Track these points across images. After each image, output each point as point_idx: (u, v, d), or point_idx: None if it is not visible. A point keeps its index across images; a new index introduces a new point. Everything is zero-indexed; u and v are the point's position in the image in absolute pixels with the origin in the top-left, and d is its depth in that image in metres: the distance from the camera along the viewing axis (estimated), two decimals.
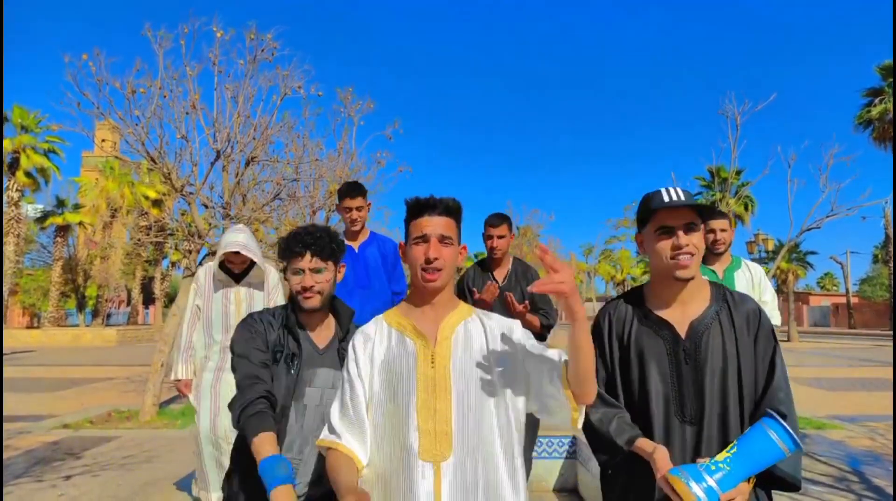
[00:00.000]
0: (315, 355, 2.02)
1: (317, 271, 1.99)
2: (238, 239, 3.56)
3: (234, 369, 1.95)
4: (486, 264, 4.08)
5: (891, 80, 26.46)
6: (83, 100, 7.20)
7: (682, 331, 1.72)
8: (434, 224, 1.61)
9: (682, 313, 1.75)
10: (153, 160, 7.56)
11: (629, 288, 1.97)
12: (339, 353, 2.04)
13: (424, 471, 1.50)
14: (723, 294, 1.78)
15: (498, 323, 1.69)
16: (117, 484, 5.00)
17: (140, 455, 5.98)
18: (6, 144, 27.51)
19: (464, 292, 4.07)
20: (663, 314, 1.77)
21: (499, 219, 3.96)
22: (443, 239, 1.61)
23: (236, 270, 3.72)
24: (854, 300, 47.03)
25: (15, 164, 28.38)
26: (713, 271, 3.86)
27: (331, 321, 2.11)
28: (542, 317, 3.88)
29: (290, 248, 1.99)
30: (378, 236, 4.04)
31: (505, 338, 1.64)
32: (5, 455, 5.91)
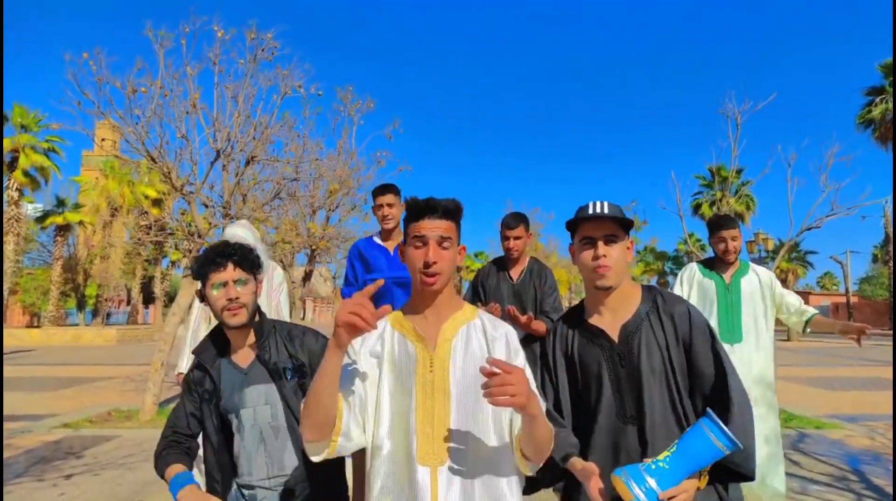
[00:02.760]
0: (240, 377, 1.99)
1: (240, 282, 1.94)
2: (236, 233, 3.61)
3: None
4: (503, 263, 4.12)
5: (891, 78, 26.44)
6: (83, 99, 7.22)
7: (614, 336, 1.80)
8: (433, 227, 1.59)
9: (614, 318, 1.82)
10: (153, 159, 7.56)
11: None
12: (263, 364, 2.00)
13: (423, 475, 1.50)
14: (653, 296, 1.85)
15: (502, 335, 1.67)
16: (117, 483, 5.00)
17: (140, 455, 5.98)
18: (6, 143, 27.49)
19: (478, 289, 4.10)
20: (597, 322, 1.84)
21: (515, 220, 4.00)
22: (442, 242, 1.59)
23: None
24: (854, 300, 47.01)
25: (14, 163, 28.37)
26: (720, 277, 3.85)
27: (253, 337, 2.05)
28: (549, 323, 3.90)
29: (212, 260, 1.93)
30: None
31: (504, 351, 1.64)
32: (6, 455, 5.92)
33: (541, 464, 1.57)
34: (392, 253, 3.84)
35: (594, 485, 1.62)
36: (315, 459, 1.55)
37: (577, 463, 1.71)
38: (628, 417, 1.74)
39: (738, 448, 1.49)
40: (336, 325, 1.38)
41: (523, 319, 3.66)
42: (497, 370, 1.32)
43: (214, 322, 3.74)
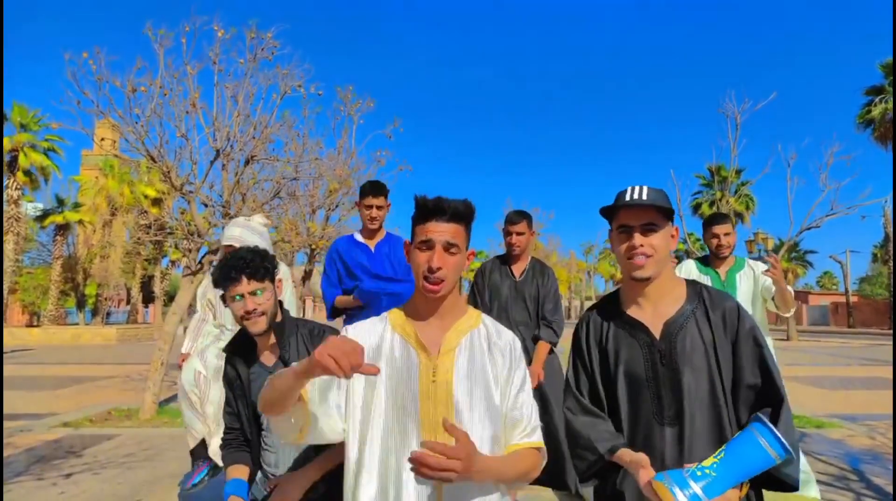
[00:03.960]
0: (265, 374, 2.04)
1: (255, 293, 2.01)
2: (234, 233, 3.59)
3: None
4: (505, 259, 4.14)
5: (892, 78, 26.45)
6: (83, 98, 7.19)
7: (656, 332, 1.70)
8: (441, 231, 1.52)
9: (655, 312, 1.72)
10: (153, 159, 7.55)
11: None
12: (285, 364, 2.07)
13: (426, 486, 1.46)
14: (699, 292, 1.74)
15: (506, 344, 1.63)
16: (117, 482, 5.00)
17: (140, 454, 5.98)
18: (6, 142, 27.47)
19: (479, 283, 4.11)
20: (636, 315, 1.74)
21: (518, 216, 4.03)
22: (449, 247, 1.52)
23: None
24: (853, 299, 47.05)
25: (14, 162, 28.36)
26: (716, 273, 3.87)
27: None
28: (551, 335, 3.94)
29: (225, 276, 2.01)
30: (393, 237, 4.03)
31: (507, 365, 1.61)
32: (6, 454, 5.91)
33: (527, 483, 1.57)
34: (373, 251, 3.84)
35: (646, 477, 1.50)
36: (287, 441, 1.58)
37: (625, 455, 1.61)
38: (666, 418, 1.64)
39: (791, 457, 1.42)
40: (315, 359, 1.30)
41: (534, 383, 3.70)
42: (432, 452, 1.30)
43: (227, 316, 3.79)
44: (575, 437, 1.72)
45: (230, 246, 3.58)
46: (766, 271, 3.55)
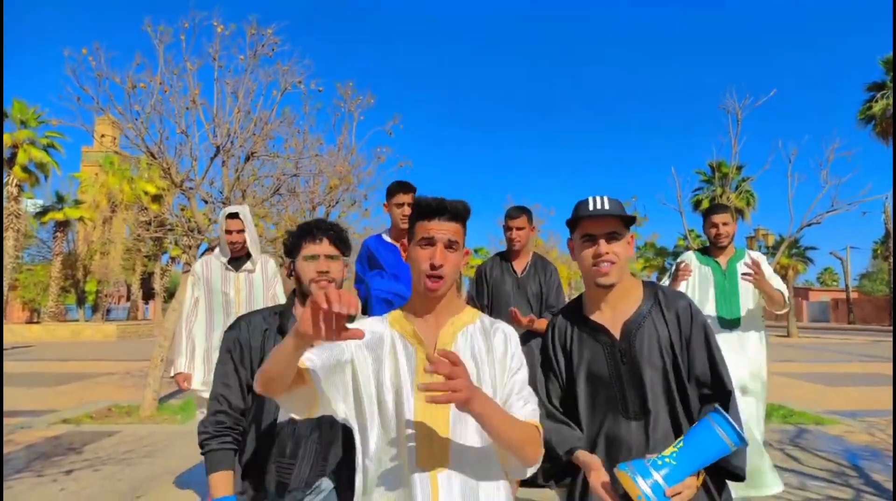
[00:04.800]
0: None
1: (333, 257, 1.95)
2: (232, 208, 3.80)
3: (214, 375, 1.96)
4: (506, 256, 4.13)
5: (892, 74, 26.41)
6: (83, 94, 7.19)
7: (615, 332, 1.79)
8: (442, 229, 1.57)
9: (615, 314, 1.81)
10: (153, 155, 7.55)
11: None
12: None
13: (422, 480, 1.48)
14: (654, 293, 1.84)
15: (501, 337, 1.65)
16: (118, 479, 5.01)
17: (140, 450, 5.99)
18: (5, 138, 27.45)
19: (481, 281, 4.10)
20: (598, 318, 1.83)
21: (518, 211, 4.02)
22: (449, 245, 1.57)
23: (236, 246, 3.83)
24: (854, 296, 47.11)
25: (13, 159, 28.35)
26: (717, 263, 3.88)
27: None
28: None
29: (309, 232, 1.95)
30: None
31: (503, 355, 1.62)
32: (6, 450, 5.92)
33: (527, 469, 1.55)
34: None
35: (596, 477, 1.61)
36: (295, 414, 1.54)
37: (581, 456, 1.70)
38: (631, 413, 1.73)
39: (745, 444, 1.48)
40: (300, 323, 1.29)
41: (525, 320, 3.68)
42: (436, 369, 1.29)
43: (216, 311, 3.79)
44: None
45: (234, 215, 3.77)
46: (744, 275, 3.58)
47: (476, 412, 1.37)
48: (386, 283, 3.67)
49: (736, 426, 1.44)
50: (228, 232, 3.77)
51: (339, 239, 1.99)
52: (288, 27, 8.33)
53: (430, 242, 1.56)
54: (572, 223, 1.84)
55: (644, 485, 1.42)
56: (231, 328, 2.00)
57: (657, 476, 1.44)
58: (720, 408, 1.49)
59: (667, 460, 1.47)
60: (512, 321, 3.76)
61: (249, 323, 1.99)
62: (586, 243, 1.78)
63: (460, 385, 1.30)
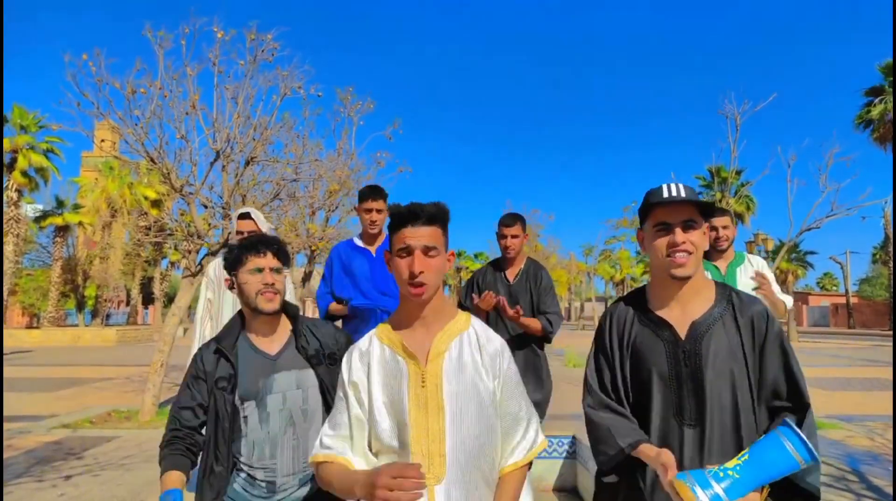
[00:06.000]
0: (268, 363, 2.03)
1: (276, 270, 2.01)
2: (244, 209, 3.82)
3: None
4: (499, 264, 4.12)
5: (891, 79, 26.45)
6: (83, 100, 7.20)
7: (682, 332, 1.67)
8: (418, 235, 1.52)
9: (683, 312, 1.69)
10: (153, 160, 7.56)
11: (629, 288, 1.95)
12: (298, 349, 2.06)
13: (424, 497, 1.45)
14: (728, 295, 1.71)
15: (494, 348, 1.62)
16: (117, 484, 5.00)
17: (140, 455, 5.98)
18: (5, 143, 27.47)
19: (473, 289, 4.10)
20: (663, 313, 1.72)
21: (512, 219, 4.01)
22: (427, 251, 1.52)
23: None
24: (853, 300, 47.04)
25: (13, 164, 28.35)
26: (716, 268, 3.88)
27: (285, 325, 2.12)
28: (545, 322, 3.89)
29: (253, 246, 2.01)
30: None
31: (496, 366, 1.60)
32: (6, 455, 5.91)
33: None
34: (374, 255, 3.84)
35: (672, 474, 1.47)
36: None
37: (649, 450, 1.59)
38: (686, 419, 1.63)
39: (816, 462, 1.39)
40: (375, 487, 1.32)
41: (511, 312, 3.67)
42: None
43: (224, 312, 3.80)
44: (595, 431, 1.72)
45: (246, 215, 3.78)
46: (756, 289, 3.59)
47: None
48: (366, 301, 3.71)
49: (808, 442, 1.35)
50: (240, 233, 3.79)
51: (282, 253, 2.07)
52: (288, 33, 8.38)
53: (408, 250, 1.52)
54: (644, 212, 1.73)
55: (703, 496, 1.35)
56: (195, 356, 2.11)
57: (718, 489, 1.36)
58: (790, 422, 1.40)
59: (729, 472, 1.39)
60: (500, 314, 3.76)
61: (206, 349, 2.09)
62: (660, 232, 1.66)
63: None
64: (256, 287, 1.98)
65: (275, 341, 2.08)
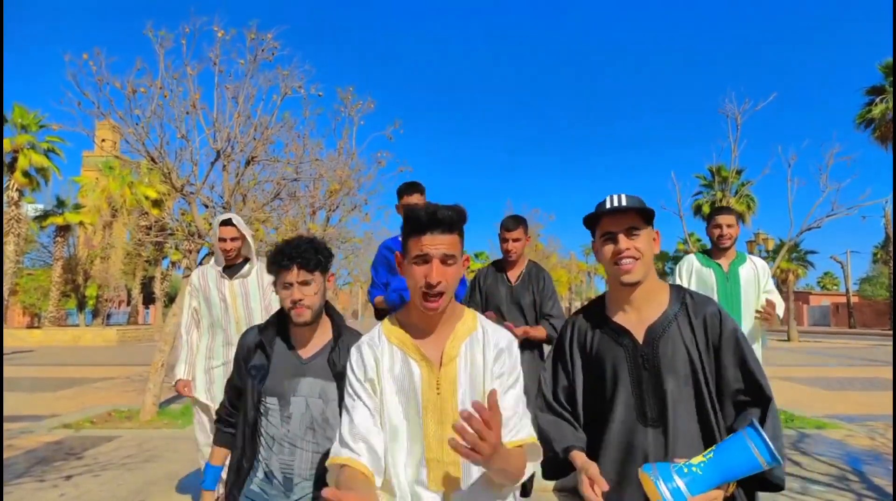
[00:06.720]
0: (297, 365, 2.05)
1: (305, 283, 2.00)
2: (225, 216, 3.80)
3: None
4: (501, 265, 4.13)
5: (892, 78, 26.44)
6: (83, 99, 7.18)
7: (639, 336, 1.73)
8: (437, 243, 1.45)
9: (639, 317, 1.75)
10: (153, 160, 7.55)
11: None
12: (329, 362, 2.06)
13: (437, 495, 1.44)
14: (682, 297, 1.77)
15: (504, 345, 1.59)
16: (117, 484, 5.00)
17: (140, 455, 5.98)
18: (6, 143, 27.48)
19: (476, 290, 4.11)
20: (621, 320, 1.77)
21: (514, 222, 4.02)
22: (446, 259, 1.46)
23: (230, 254, 3.82)
24: (854, 300, 47.04)
25: (14, 163, 28.36)
26: (719, 266, 3.88)
27: (325, 331, 2.13)
28: (549, 328, 3.93)
29: (277, 262, 2.01)
30: None
31: (504, 365, 1.57)
32: (6, 455, 5.91)
33: (510, 484, 1.52)
34: None
35: (588, 483, 1.55)
36: None
37: (578, 458, 1.66)
38: (649, 419, 1.67)
39: (779, 464, 1.42)
40: None
41: (519, 332, 3.72)
42: (469, 424, 1.19)
43: (215, 319, 3.80)
44: (539, 434, 1.74)
45: (227, 221, 3.75)
46: (758, 316, 3.68)
47: (493, 467, 1.30)
48: (397, 295, 3.72)
49: (771, 444, 1.38)
50: (222, 240, 3.77)
51: (309, 262, 2.01)
52: (288, 32, 8.37)
53: (425, 258, 1.46)
54: (592, 224, 1.79)
55: (664, 489, 1.39)
56: (241, 337, 2.20)
57: (680, 483, 1.40)
58: (757, 424, 1.43)
59: (693, 469, 1.42)
60: (518, 316, 3.85)
61: (251, 332, 2.17)
62: (606, 241, 1.73)
63: (488, 449, 1.21)
64: (287, 303, 2.01)
65: (309, 345, 2.10)
